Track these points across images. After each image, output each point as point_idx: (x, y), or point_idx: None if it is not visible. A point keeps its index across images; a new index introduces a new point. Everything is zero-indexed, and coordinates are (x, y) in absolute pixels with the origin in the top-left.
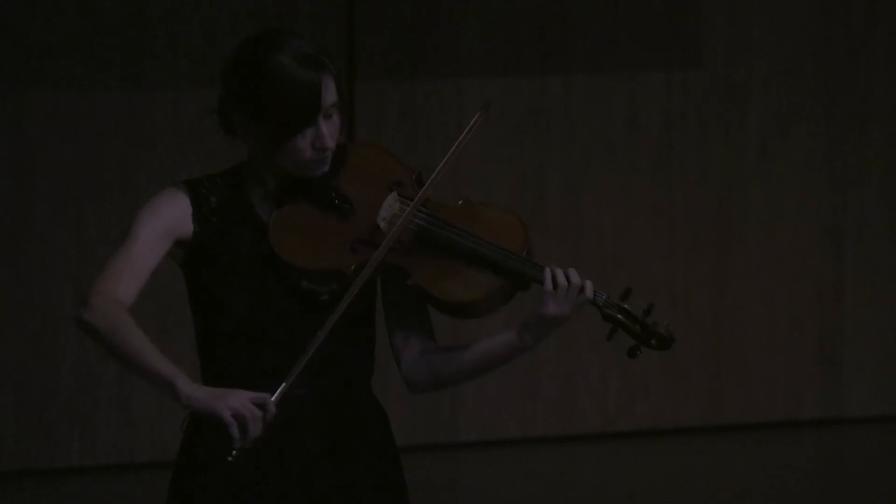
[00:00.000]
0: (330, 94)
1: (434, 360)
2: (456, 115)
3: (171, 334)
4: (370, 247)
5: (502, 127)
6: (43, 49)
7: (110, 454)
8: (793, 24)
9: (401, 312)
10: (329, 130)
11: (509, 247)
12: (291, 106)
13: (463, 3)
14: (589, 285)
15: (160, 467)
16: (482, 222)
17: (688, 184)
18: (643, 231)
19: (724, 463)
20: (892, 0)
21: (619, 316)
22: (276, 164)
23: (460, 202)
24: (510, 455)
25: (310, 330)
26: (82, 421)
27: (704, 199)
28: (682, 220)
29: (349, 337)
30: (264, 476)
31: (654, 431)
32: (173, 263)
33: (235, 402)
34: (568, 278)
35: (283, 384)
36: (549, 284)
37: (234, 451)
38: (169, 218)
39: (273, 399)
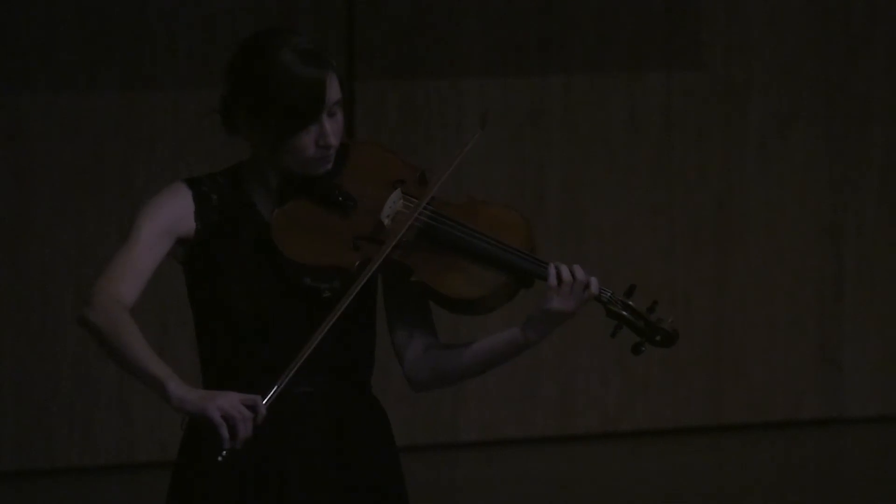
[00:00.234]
0: (333, 92)
1: (437, 357)
2: (456, 115)
3: (171, 334)
4: (374, 244)
5: (502, 127)
6: (43, 49)
7: (110, 454)
8: (793, 24)
9: (403, 310)
10: (332, 128)
11: (513, 244)
12: (295, 103)
13: (463, 2)
14: (594, 282)
15: (160, 467)
16: (486, 219)
17: (688, 184)
18: (643, 231)
19: (725, 463)
20: (891, 0)
21: (624, 313)
22: (278, 161)
23: (464, 199)
24: (510, 455)
25: (311, 327)
26: (82, 421)
27: (704, 199)
28: (681, 219)
29: (350, 335)
30: (264, 474)
31: (653, 431)
32: (173, 263)
33: (225, 404)
34: (573, 274)
35: (276, 385)
36: (553, 280)
37: (224, 452)
38: (171, 216)
39: (265, 401)
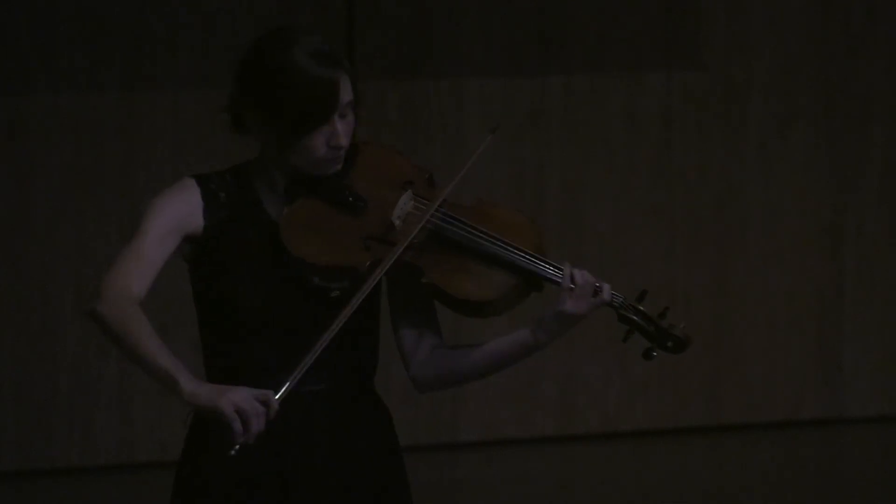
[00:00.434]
0: (346, 93)
1: (443, 358)
2: (456, 115)
3: (171, 334)
4: (384, 244)
5: (502, 127)
6: (43, 49)
7: (110, 454)
8: (793, 24)
9: (408, 311)
10: (344, 129)
11: (524, 246)
12: (307, 104)
13: (463, 3)
14: (606, 288)
15: (160, 467)
16: (496, 222)
17: (688, 184)
18: (643, 231)
19: (724, 463)
20: (891, 0)
21: (636, 318)
22: (288, 161)
23: (473, 201)
24: (510, 455)
25: (317, 326)
26: (82, 421)
27: (704, 199)
28: (681, 220)
29: (354, 334)
30: (268, 473)
31: (653, 432)
32: (173, 261)
33: (237, 398)
34: (584, 277)
35: (289, 381)
36: (566, 282)
37: (237, 447)
38: (179, 212)
39: (278, 396)
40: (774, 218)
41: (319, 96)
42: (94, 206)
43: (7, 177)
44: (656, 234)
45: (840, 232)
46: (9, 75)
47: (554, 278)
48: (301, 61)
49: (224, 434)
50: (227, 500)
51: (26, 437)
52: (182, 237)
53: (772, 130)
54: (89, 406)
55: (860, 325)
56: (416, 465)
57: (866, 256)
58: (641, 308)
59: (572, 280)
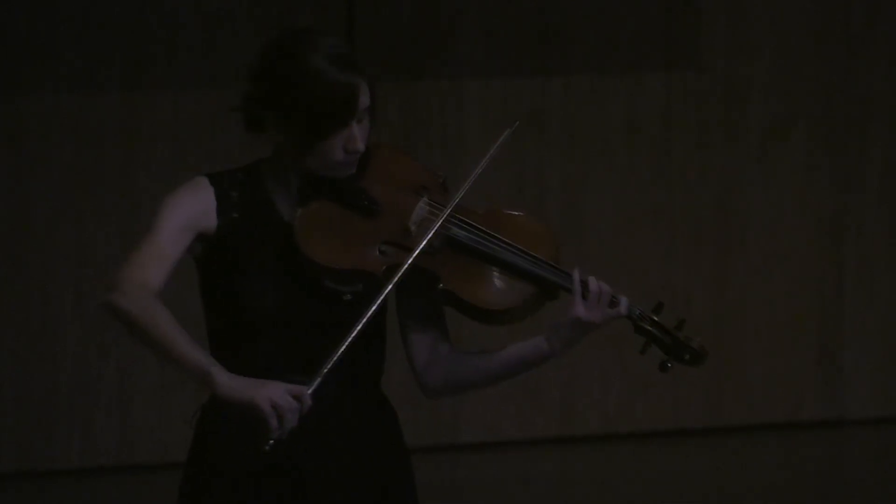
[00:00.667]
0: (364, 98)
1: (454, 365)
2: (456, 116)
3: None
4: (400, 249)
5: (502, 128)
6: (43, 49)
7: (110, 455)
8: (793, 24)
9: (418, 316)
10: (361, 134)
11: (541, 254)
12: (327, 109)
13: (463, 4)
14: (624, 301)
15: (160, 468)
16: (512, 229)
17: (688, 184)
18: (643, 231)
19: (724, 464)
20: (891, 1)
21: (653, 330)
22: (303, 163)
23: (489, 208)
24: (510, 456)
25: (327, 329)
26: (82, 422)
27: (704, 199)
28: (681, 220)
29: (366, 337)
30: (281, 472)
31: (654, 433)
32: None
33: (274, 393)
34: (600, 286)
35: (319, 376)
36: (592, 288)
37: (272, 442)
38: (193, 210)
39: (310, 391)
40: (774, 218)
41: (339, 101)
42: (94, 206)
43: (7, 177)
44: (656, 235)
45: (840, 232)
46: (9, 75)
47: (570, 287)
48: (321, 65)
49: (259, 429)
50: (239, 499)
51: (26, 438)
52: (195, 235)
53: (772, 131)
54: (89, 406)
55: (860, 326)
56: (416, 466)
57: (866, 257)
58: (659, 320)
59: (588, 288)
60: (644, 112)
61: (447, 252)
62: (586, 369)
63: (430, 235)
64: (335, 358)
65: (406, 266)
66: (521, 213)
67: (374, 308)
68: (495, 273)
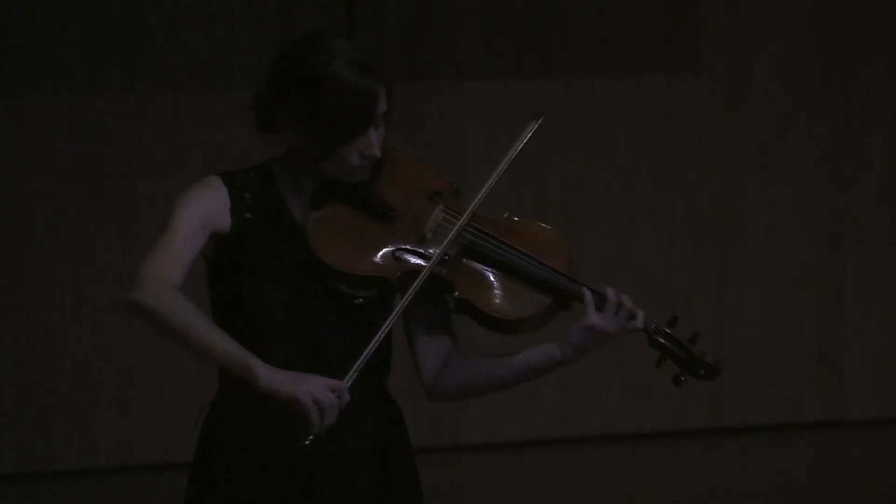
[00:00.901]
0: (383, 103)
1: (461, 370)
2: (456, 117)
3: None
4: (415, 256)
5: (502, 129)
6: (43, 50)
7: (110, 456)
8: (793, 25)
9: (426, 322)
10: (377, 140)
11: (556, 265)
12: (347, 115)
13: (463, 4)
14: (641, 315)
15: (160, 469)
16: (527, 238)
17: (688, 184)
18: (643, 232)
19: (724, 465)
20: (892, 1)
21: (668, 343)
22: (316, 166)
23: (504, 216)
24: (511, 457)
25: (335, 331)
26: (82, 423)
27: (704, 199)
28: (681, 221)
29: (366, 337)
30: (283, 473)
31: (654, 434)
32: None
33: (315, 389)
34: (619, 297)
35: (354, 371)
36: (610, 296)
37: (311, 437)
38: (208, 209)
39: (347, 385)
40: (774, 218)
41: (359, 107)
42: (94, 206)
43: (7, 177)
44: (656, 235)
45: (840, 233)
46: (9, 75)
47: (585, 298)
48: (341, 71)
49: (299, 424)
50: (248, 497)
51: (26, 439)
52: (209, 234)
53: (771, 131)
54: (89, 407)
55: (860, 328)
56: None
57: (866, 257)
58: (673, 334)
59: (604, 299)
60: (644, 113)
61: (462, 260)
62: (587, 370)
63: (446, 243)
64: (367, 354)
65: (426, 273)
66: (536, 222)
67: (399, 310)
68: (510, 282)
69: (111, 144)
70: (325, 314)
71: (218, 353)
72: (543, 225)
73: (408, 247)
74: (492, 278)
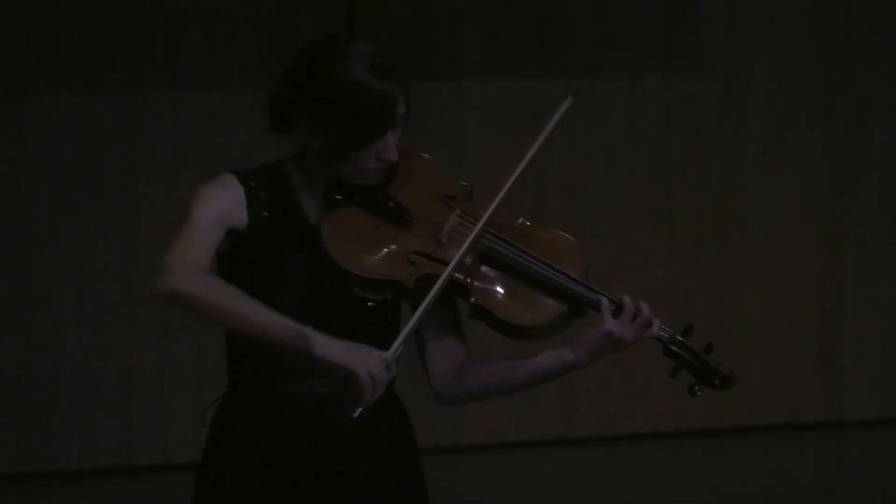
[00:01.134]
0: (401, 108)
1: (472, 373)
2: (456, 117)
3: (171, 335)
4: (431, 261)
5: (503, 129)
6: (43, 49)
7: (110, 456)
8: (793, 25)
9: (437, 326)
10: (394, 143)
11: (572, 272)
12: (365, 119)
13: (463, 4)
14: (656, 323)
15: (160, 470)
16: (542, 244)
17: (688, 186)
18: (643, 233)
19: (725, 466)
20: (892, 1)
21: (683, 353)
22: (332, 168)
23: (520, 222)
24: (511, 458)
25: (345, 332)
26: (82, 423)
27: (704, 201)
28: (681, 222)
29: (375, 337)
30: (292, 470)
31: (654, 435)
32: None
33: (370, 363)
34: (637, 306)
35: (399, 344)
36: (618, 308)
37: (360, 409)
38: (226, 206)
39: (395, 356)
40: (774, 219)
41: (378, 112)
42: (94, 206)
43: (7, 177)
44: (656, 235)
45: (840, 233)
46: (9, 75)
47: (599, 307)
48: (361, 75)
49: (350, 395)
50: (257, 493)
51: (26, 439)
52: (226, 230)
53: (772, 132)
54: (89, 408)
55: (860, 328)
56: None
57: (866, 258)
58: (689, 343)
59: (620, 307)
60: (644, 113)
61: (478, 265)
62: (587, 371)
63: (464, 249)
64: (412, 326)
65: (444, 278)
66: (552, 229)
67: (422, 313)
68: (526, 289)
69: (111, 144)
70: (335, 315)
71: (267, 326)
72: (559, 232)
73: (424, 251)
74: (508, 285)
